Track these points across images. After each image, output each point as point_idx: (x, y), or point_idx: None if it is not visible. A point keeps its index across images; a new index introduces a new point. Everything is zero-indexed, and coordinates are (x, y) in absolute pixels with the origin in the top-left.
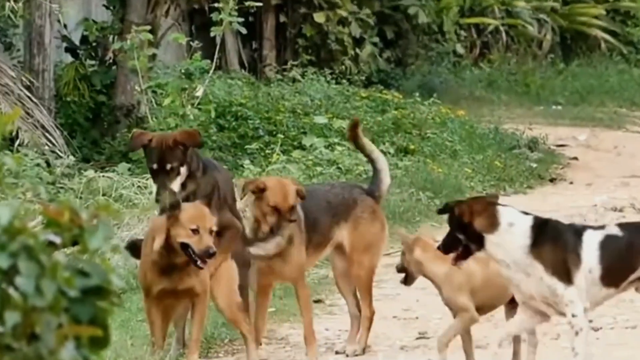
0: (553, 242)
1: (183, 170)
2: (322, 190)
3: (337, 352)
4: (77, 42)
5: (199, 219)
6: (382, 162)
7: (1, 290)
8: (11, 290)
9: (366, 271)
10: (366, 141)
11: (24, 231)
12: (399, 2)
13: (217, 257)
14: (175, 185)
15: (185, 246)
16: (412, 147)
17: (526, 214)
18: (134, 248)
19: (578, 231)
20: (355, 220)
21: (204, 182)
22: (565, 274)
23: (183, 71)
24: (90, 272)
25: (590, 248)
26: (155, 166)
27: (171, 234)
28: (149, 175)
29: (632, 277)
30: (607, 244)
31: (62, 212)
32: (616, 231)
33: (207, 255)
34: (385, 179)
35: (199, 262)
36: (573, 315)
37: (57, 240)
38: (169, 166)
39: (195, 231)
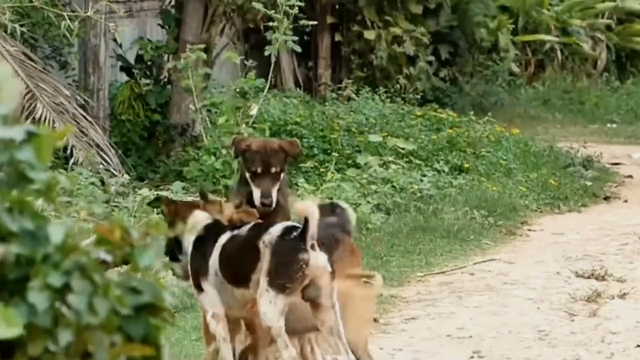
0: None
1: (282, 177)
2: None
3: None
4: (132, 61)
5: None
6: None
7: (54, 309)
8: (64, 309)
9: None
10: None
11: (76, 250)
12: (454, 23)
13: None
14: (274, 190)
15: None
16: (466, 165)
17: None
18: None
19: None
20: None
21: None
22: (195, 281)
23: (238, 90)
24: (142, 289)
25: (216, 251)
26: (259, 169)
27: None
28: None
29: (256, 275)
30: (228, 244)
31: (113, 231)
32: (243, 230)
33: None
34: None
35: None
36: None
37: (109, 258)
38: (273, 169)
39: None
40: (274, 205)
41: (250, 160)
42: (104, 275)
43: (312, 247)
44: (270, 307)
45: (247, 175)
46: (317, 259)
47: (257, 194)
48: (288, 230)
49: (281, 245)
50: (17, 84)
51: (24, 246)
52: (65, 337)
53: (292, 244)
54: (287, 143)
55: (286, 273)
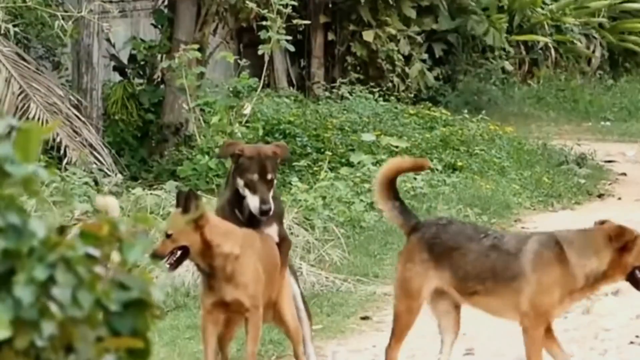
0: None
1: (275, 182)
2: None
3: None
4: (125, 61)
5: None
6: None
7: (40, 302)
8: (49, 303)
9: None
10: None
11: (61, 243)
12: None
13: (282, 269)
14: (270, 196)
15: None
16: (460, 163)
17: None
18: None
19: None
20: None
21: (278, 197)
22: None
23: (231, 89)
24: (129, 284)
25: None
26: (256, 176)
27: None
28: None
29: None
30: None
31: (101, 226)
32: None
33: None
34: None
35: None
36: None
37: (97, 253)
38: (269, 176)
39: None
40: (272, 212)
41: (245, 167)
42: (91, 270)
43: None
44: None
45: (241, 182)
46: None
47: (254, 201)
48: None
49: None
50: None
51: (10, 240)
52: (49, 329)
53: None
54: (279, 148)
55: None
